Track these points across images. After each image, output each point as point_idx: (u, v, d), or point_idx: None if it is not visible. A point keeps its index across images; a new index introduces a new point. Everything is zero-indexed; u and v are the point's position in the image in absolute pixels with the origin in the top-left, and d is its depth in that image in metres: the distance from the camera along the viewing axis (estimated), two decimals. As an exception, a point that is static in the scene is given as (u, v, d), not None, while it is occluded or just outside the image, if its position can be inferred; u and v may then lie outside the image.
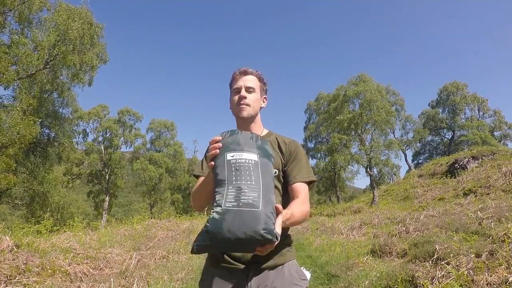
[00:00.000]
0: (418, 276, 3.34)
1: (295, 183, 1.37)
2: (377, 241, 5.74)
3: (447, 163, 17.75)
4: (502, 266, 3.10)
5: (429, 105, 40.86)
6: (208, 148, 1.27)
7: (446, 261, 3.53)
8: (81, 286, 3.95)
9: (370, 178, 20.69)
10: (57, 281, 3.97)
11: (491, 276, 2.97)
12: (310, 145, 36.83)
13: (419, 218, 7.11)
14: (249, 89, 1.45)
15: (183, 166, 38.11)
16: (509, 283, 2.81)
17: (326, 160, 32.00)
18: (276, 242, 1.04)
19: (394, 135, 33.65)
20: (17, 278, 3.78)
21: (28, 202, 19.63)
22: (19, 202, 19.97)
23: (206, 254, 1.30)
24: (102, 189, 32.89)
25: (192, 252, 1.07)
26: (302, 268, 1.41)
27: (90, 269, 4.62)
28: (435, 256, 3.80)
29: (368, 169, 20.96)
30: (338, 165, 28.35)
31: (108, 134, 33.98)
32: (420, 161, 39.23)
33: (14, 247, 4.50)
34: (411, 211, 9.68)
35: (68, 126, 21.76)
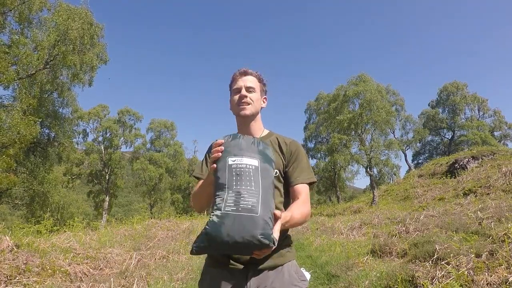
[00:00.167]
0: (418, 276, 3.34)
1: (296, 184, 1.37)
2: (377, 241, 5.74)
3: (447, 163, 17.75)
4: (502, 266, 3.10)
5: (429, 105, 40.90)
6: (210, 150, 1.29)
7: (446, 261, 3.53)
8: (81, 286, 3.95)
9: (370, 178, 20.69)
10: (57, 281, 3.97)
11: (491, 276, 2.97)
12: (310, 145, 36.87)
13: (419, 218, 7.11)
14: (249, 89, 1.46)
15: (183, 166, 38.17)
16: (509, 283, 2.80)
17: (326, 160, 32.03)
18: (274, 247, 1.06)
19: (394, 135, 33.70)
20: (17, 278, 3.78)
21: (28, 202, 19.63)
22: (19, 202, 19.97)
23: (205, 255, 1.30)
24: (102, 189, 32.93)
25: (192, 253, 1.10)
26: (302, 268, 1.41)
27: (90, 269, 4.62)
28: (435, 256, 3.80)
29: (368, 169, 20.96)
30: (338, 165, 28.36)
31: (108, 134, 34.03)
32: (420, 161, 39.27)
33: (14, 247, 4.50)
34: (411, 211, 9.68)
35: (68, 126, 21.76)
